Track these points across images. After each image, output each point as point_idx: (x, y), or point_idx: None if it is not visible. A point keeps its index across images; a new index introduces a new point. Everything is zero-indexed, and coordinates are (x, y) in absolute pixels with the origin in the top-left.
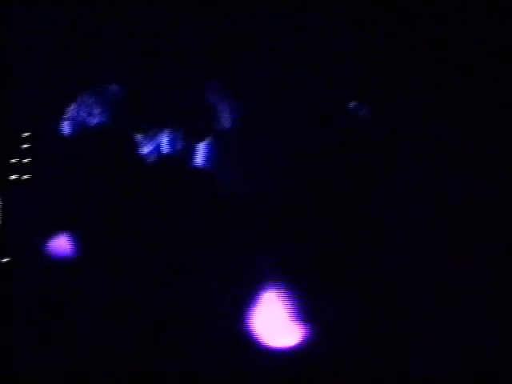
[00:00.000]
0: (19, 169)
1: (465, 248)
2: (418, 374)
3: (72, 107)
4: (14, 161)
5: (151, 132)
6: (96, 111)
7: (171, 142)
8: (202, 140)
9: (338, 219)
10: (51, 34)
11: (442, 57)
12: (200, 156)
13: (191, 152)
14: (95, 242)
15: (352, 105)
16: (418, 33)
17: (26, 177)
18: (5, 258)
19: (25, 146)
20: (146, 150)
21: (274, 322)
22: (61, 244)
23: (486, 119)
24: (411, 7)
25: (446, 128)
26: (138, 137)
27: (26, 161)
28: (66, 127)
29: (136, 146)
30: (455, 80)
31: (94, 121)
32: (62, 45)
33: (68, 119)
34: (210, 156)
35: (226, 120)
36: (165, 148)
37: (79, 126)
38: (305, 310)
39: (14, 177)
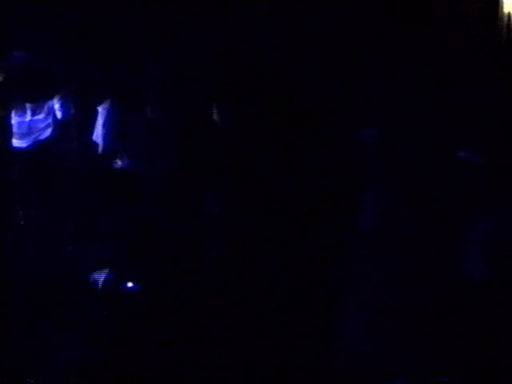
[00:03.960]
0: None
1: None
2: None
3: None
4: None
5: (42, 99)
6: None
7: (64, 108)
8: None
9: None
10: None
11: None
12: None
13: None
14: None
15: None
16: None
17: None
18: None
19: None
20: (38, 117)
21: None
22: None
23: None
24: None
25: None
26: (29, 105)
27: None
28: None
29: (30, 114)
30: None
31: None
32: None
33: None
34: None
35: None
36: (58, 114)
37: None
38: None
39: None
